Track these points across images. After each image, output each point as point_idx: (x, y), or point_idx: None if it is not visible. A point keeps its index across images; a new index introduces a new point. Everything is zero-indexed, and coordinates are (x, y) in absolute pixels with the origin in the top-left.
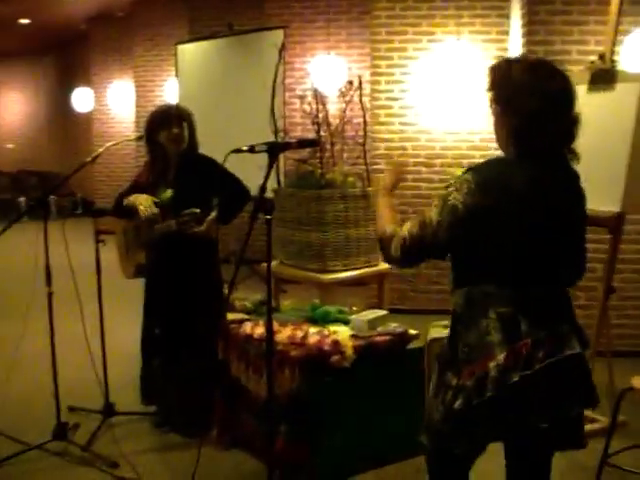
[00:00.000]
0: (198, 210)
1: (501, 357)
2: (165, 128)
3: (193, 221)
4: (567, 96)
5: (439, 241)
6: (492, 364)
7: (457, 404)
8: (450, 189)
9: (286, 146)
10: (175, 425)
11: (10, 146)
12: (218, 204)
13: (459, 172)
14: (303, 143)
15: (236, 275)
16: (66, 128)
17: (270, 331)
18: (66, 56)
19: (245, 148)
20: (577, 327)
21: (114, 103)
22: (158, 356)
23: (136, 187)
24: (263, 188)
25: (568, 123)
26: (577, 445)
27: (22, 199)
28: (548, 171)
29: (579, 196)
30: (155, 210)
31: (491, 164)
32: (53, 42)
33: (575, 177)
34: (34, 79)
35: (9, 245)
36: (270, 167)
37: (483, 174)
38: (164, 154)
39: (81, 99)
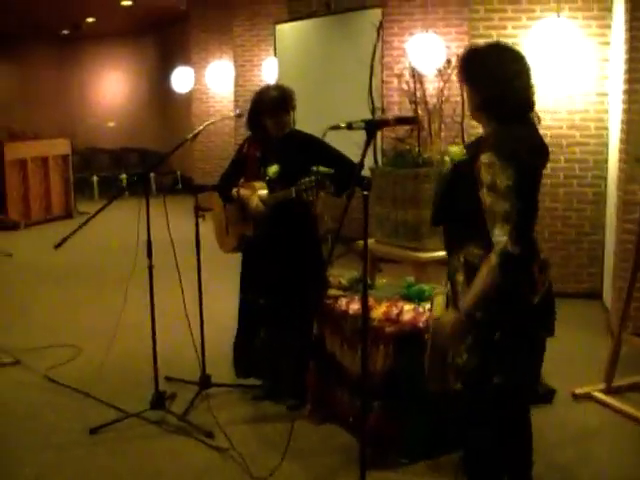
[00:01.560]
0: (316, 176)
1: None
2: (273, 115)
3: (313, 188)
4: (528, 70)
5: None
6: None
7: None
8: (489, 177)
9: (383, 123)
10: (278, 398)
11: (112, 124)
12: (331, 177)
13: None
14: (401, 120)
15: (332, 251)
16: (166, 107)
17: (365, 307)
18: (167, 36)
19: (343, 125)
20: None
21: (213, 83)
22: (263, 327)
23: (238, 164)
24: (361, 165)
25: (531, 92)
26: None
27: (123, 176)
28: (535, 132)
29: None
30: (262, 208)
31: (506, 136)
32: (154, 23)
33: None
34: (135, 59)
35: (111, 220)
36: (367, 144)
37: (504, 149)
38: (266, 133)
39: (181, 78)
